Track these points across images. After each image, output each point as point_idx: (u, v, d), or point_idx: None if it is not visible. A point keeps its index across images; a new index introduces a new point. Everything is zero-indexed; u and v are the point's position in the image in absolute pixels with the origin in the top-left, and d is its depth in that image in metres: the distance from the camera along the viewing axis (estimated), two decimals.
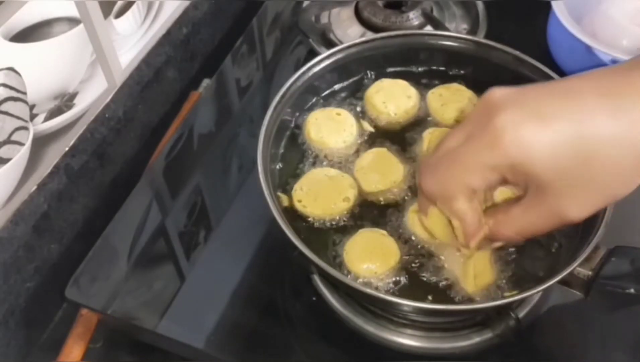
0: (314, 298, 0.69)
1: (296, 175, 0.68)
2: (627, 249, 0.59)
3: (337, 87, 0.77)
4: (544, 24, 0.90)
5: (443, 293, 0.61)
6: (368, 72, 0.77)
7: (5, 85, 0.61)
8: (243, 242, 0.74)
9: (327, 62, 0.74)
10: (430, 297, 0.61)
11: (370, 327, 0.66)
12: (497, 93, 0.52)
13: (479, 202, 0.55)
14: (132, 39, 0.79)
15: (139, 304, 0.70)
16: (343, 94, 0.76)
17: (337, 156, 0.71)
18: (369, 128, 0.72)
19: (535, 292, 0.61)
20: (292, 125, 0.73)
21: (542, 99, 0.50)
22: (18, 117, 0.64)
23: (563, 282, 0.57)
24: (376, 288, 0.61)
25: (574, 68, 0.84)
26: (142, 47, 0.81)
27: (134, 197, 0.78)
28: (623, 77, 0.48)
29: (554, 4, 0.85)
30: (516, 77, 0.73)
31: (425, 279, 0.62)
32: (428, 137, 0.69)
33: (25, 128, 0.65)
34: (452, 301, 0.60)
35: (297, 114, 0.73)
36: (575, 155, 0.48)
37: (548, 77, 0.71)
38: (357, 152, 0.70)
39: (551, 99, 0.50)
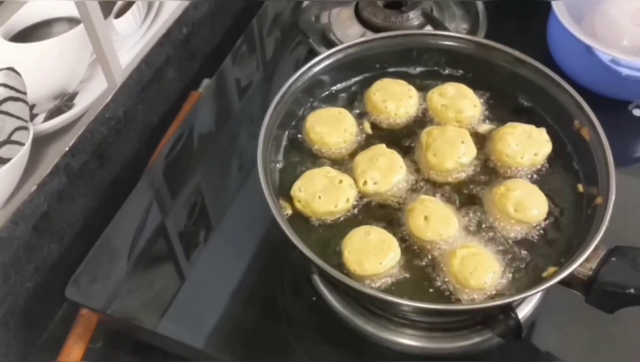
0: (314, 298, 0.69)
1: (296, 175, 0.68)
2: (627, 249, 0.59)
3: (337, 87, 0.77)
4: (544, 24, 0.90)
5: (443, 293, 0.61)
6: (368, 71, 0.77)
7: (5, 85, 0.61)
8: (243, 242, 0.74)
9: (327, 62, 0.74)
10: (430, 297, 0.61)
11: (370, 327, 0.66)
12: None
13: None
14: (132, 39, 0.79)
15: (139, 304, 0.70)
16: (343, 94, 0.76)
17: (337, 156, 0.71)
18: (368, 130, 0.72)
19: (535, 292, 0.61)
20: (292, 125, 0.73)
21: None
22: (18, 117, 0.64)
23: (563, 282, 0.57)
24: (376, 288, 0.61)
25: (574, 68, 0.84)
26: (142, 47, 0.81)
27: (134, 197, 0.78)
28: None
29: (554, 4, 0.85)
30: (516, 77, 0.73)
31: (425, 278, 0.62)
32: (426, 137, 0.69)
33: (25, 128, 0.65)
34: (452, 301, 0.60)
35: (297, 113, 0.73)
36: None
37: (548, 77, 0.71)
38: (357, 152, 0.70)
39: None
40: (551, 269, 0.61)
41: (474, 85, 0.74)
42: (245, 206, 0.77)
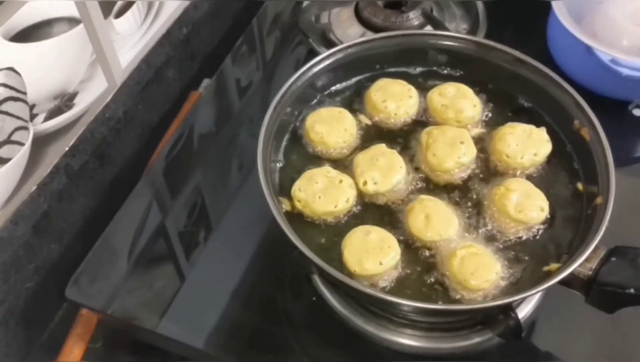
0: (314, 298, 0.69)
1: (296, 175, 0.68)
2: (627, 249, 0.59)
3: (337, 86, 0.77)
4: (544, 24, 0.90)
5: (443, 293, 0.61)
6: (368, 71, 0.77)
7: (5, 85, 0.61)
8: (243, 242, 0.74)
9: (327, 62, 0.74)
10: (430, 297, 0.60)
11: (370, 327, 0.66)
12: None
13: None
14: (132, 39, 0.79)
15: (139, 304, 0.70)
16: (343, 94, 0.76)
17: (337, 156, 0.70)
18: (366, 120, 0.72)
19: (535, 292, 0.61)
20: (292, 125, 0.73)
21: None
22: (18, 117, 0.64)
23: (563, 282, 0.57)
24: (376, 288, 0.61)
25: (574, 68, 0.84)
26: (142, 47, 0.81)
27: (134, 197, 0.78)
28: None
29: (554, 4, 0.85)
30: (516, 77, 0.73)
31: (425, 278, 0.62)
32: (426, 137, 0.69)
33: (25, 128, 0.65)
34: (452, 301, 0.60)
35: (297, 113, 0.73)
36: None
37: (548, 77, 0.71)
38: (357, 152, 0.70)
39: None
40: (554, 265, 0.61)
41: (474, 85, 0.74)
42: (245, 206, 0.77)
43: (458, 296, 0.60)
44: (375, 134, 0.73)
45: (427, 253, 0.63)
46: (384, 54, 0.77)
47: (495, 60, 0.74)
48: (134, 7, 0.77)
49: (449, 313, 0.62)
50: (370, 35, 0.84)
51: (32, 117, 0.66)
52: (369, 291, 0.58)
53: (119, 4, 0.74)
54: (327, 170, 0.67)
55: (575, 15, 0.83)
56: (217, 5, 0.97)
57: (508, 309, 0.59)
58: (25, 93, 0.64)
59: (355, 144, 0.72)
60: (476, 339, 0.66)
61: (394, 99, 0.73)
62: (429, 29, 0.92)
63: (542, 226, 0.64)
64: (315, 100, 0.75)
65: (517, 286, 0.61)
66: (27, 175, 0.67)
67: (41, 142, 0.68)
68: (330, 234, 0.64)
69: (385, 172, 0.67)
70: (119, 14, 0.75)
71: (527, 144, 0.68)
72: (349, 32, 0.94)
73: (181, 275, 0.73)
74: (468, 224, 0.65)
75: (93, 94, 0.75)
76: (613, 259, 0.59)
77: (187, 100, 0.92)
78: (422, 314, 0.64)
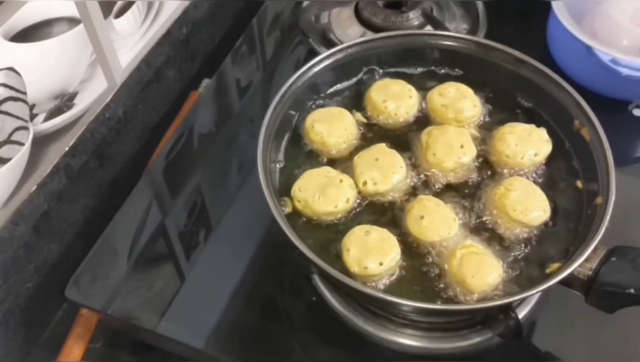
0: (314, 298, 0.69)
1: (296, 175, 0.68)
2: (627, 249, 0.59)
3: (337, 87, 0.77)
4: (544, 24, 0.90)
5: (443, 293, 0.61)
6: (368, 71, 0.77)
7: (5, 85, 0.61)
8: (243, 242, 0.74)
9: (327, 62, 0.74)
10: (430, 297, 0.60)
11: (370, 327, 0.66)
12: None
13: None
14: (132, 39, 0.79)
15: (139, 304, 0.70)
16: (343, 94, 0.76)
17: (337, 156, 0.70)
18: (362, 119, 0.72)
19: (535, 292, 0.61)
20: (292, 125, 0.73)
21: None
22: (18, 117, 0.64)
23: (563, 282, 0.57)
24: (376, 288, 0.61)
25: (574, 68, 0.84)
26: (142, 47, 0.81)
27: (134, 197, 0.78)
28: None
29: (554, 4, 0.85)
30: (516, 77, 0.73)
31: (425, 278, 0.62)
32: (426, 137, 0.69)
33: (25, 128, 0.65)
34: (452, 301, 0.60)
35: (297, 113, 0.73)
36: None
37: (548, 77, 0.71)
38: (357, 152, 0.70)
39: None
40: (555, 265, 0.61)
41: (474, 85, 0.74)
42: (245, 206, 0.77)
43: (458, 296, 0.60)
44: (375, 134, 0.73)
45: (427, 253, 0.63)
46: (384, 54, 0.77)
47: (495, 60, 0.74)
48: (134, 7, 0.77)
49: (449, 313, 0.62)
50: (370, 35, 0.84)
51: (32, 117, 0.66)
52: (369, 291, 0.58)
53: (119, 4, 0.74)
54: (327, 170, 0.67)
55: (575, 15, 0.83)
56: (217, 5, 0.97)
57: (508, 309, 0.59)
58: (25, 93, 0.64)
59: (355, 144, 0.71)
60: (476, 339, 0.66)
61: (394, 99, 0.73)
62: (429, 29, 0.92)
63: (542, 226, 0.64)
64: (315, 100, 0.75)
65: (517, 286, 0.61)
66: (27, 175, 0.67)
67: (41, 142, 0.68)
68: (330, 234, 0.64)
69: (385, 172, 0.67)
70: (119, 14, 0.75)
71: (527, 144, 0.68)
72: (349, 32, 0.94)
73: (181, 275, 0.73)
74: (468, 224, 0.65)
75: (93, 94, 0.75)
76: (613, 259, 0.59)
77: (187, 100, 0.92)
78: (422, 314, 0.64)
